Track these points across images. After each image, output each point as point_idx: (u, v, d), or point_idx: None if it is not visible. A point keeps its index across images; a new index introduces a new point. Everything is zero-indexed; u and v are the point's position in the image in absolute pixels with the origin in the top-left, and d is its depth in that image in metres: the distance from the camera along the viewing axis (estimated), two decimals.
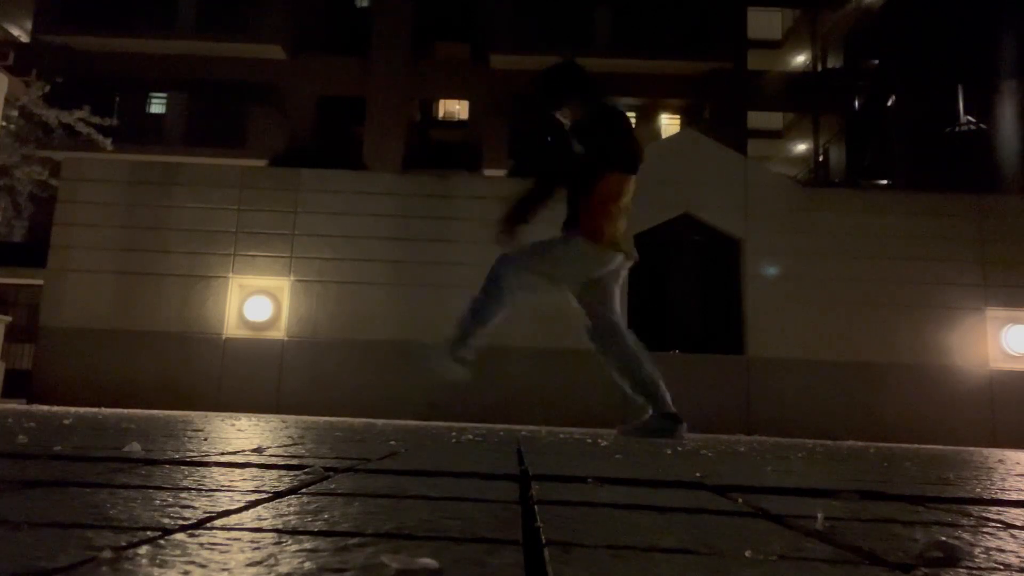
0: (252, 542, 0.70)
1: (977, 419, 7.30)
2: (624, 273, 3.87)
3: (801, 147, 24.45)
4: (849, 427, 7.03)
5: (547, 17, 20.39)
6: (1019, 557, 0.80)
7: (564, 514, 0.96)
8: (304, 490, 1.10)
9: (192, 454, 1.66)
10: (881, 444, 5.55)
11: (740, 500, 1.21)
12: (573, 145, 3.73)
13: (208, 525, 0.78)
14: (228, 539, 0.71)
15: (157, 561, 0.60)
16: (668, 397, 3.69)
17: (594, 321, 3.79)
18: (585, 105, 3.78)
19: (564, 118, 3.83)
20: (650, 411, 3.72)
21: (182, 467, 1.38)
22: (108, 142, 12.04)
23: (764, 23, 23.35)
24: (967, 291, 7.59)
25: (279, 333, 7.47)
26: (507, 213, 3.78)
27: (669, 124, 21.61)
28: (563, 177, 3.78)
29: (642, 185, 3.98)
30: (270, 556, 0.64)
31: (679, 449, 2.84)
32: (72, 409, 5.58)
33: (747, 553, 0.74)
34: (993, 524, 1.05)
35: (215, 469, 1.37)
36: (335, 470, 1.41)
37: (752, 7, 22.19)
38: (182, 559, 0.61)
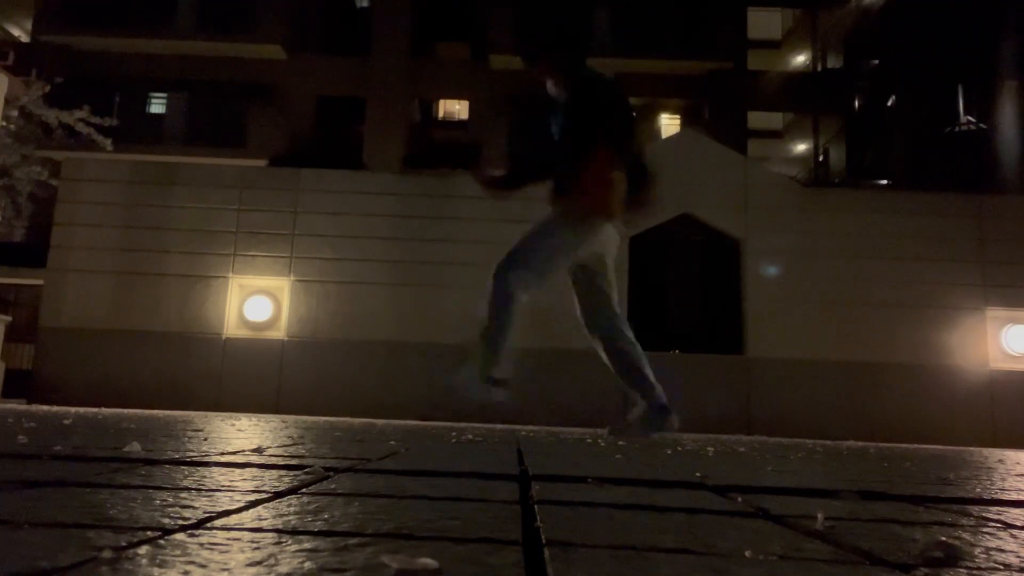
0: (252, 542, 0.70)
1: (977, 419, 7.30)
2: (617, 242, 3.69)
3: (801, 147, 24.44)
4: (849, 427, 7.03)
5: (547, 17, 20.36)
6: (1019, 557, 0.79)
7: (564, 514, 0.96)
8: (304, 490, 1.10)
9: (192, 454, 1.66)
10: (881, 444, 5.55)
11: (740, 500, 1.21)
12: (559, 117, 3.61)
13: (208, 525, 0.78)
14: (228, 539, 0.71)
15: (157, 561, 0.60)
16: (659, 388, 3.61)
17: (585, 306, 3.69)
18: (569, 65, 3.62)
19: (546, 81, 3.67)
20: (638, 405, 3.64)
21: (182, 467, 1.38)
22: (108, 142, 12.04)
23: (764, 23, 23.32)
24: (967, 291, 7.59)
25: (279, 333, 7.47)
26: (500, 175, 3.70)
27: (669, 124, 21.60)
28: (557, 163, 3.65)
29: None
30: (270, 556, 0.64)
31: (679, 449, 2.84)
32: (72, 409, 5.57)
33: (747, 553, 0.74)
34: (993, 524, 1.05)
35: (215, 469, 1.37)
36: (335, 470, 1.41)
37: (752, 7, 22.17)
38: (182, 559, 0.61)
